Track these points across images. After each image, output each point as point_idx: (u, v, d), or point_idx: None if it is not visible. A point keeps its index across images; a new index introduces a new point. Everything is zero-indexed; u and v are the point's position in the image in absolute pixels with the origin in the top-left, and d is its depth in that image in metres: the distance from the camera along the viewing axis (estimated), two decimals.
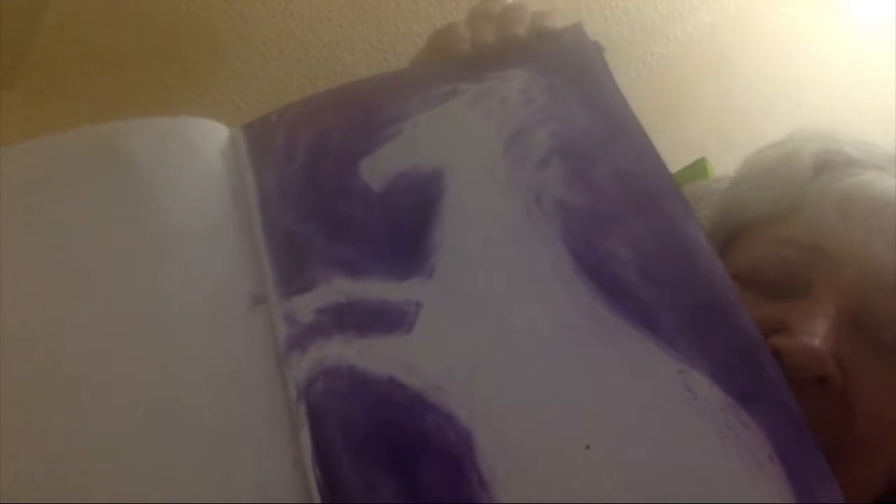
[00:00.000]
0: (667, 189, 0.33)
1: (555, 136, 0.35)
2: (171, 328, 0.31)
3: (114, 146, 0.36)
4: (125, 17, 1.06)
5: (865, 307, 0.37)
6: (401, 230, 0.34)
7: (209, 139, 0.37)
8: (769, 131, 0.48)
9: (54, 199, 0.34)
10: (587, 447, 0.28)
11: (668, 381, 0.29)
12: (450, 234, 0.33)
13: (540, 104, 0.37)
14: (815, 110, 1.38)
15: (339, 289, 0.32)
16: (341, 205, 0.35)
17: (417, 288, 0.32)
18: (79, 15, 1.04)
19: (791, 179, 0.42)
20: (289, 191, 0.35)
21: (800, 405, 0.28)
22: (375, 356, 0.30)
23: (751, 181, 0.45)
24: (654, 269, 0.31)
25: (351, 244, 0.33)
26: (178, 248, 0.33)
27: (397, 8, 1.18)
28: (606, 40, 0.41)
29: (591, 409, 0.29)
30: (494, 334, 0.31)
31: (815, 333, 0.35)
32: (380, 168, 0.36)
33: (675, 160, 1.12)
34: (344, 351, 0.31)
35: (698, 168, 1.18)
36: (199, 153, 0.37)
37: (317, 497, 0.27)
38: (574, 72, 0.38)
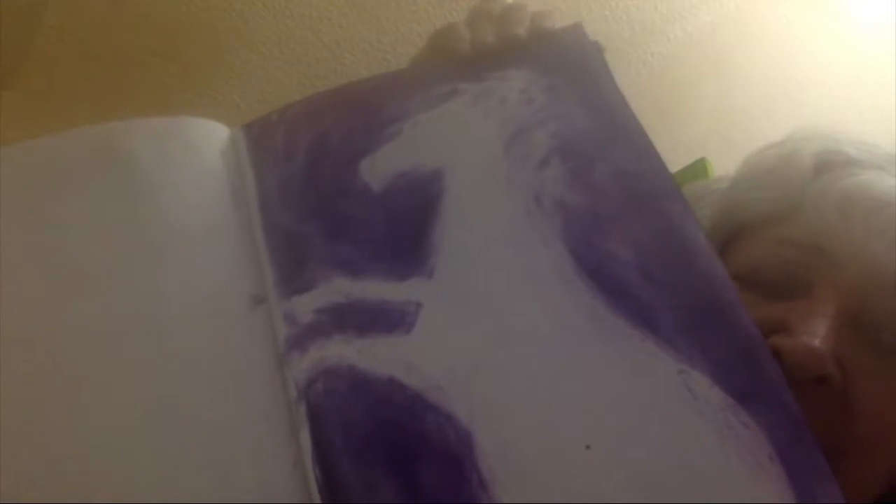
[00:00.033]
0: (667, 189, 0.33)
1: (555, 136, 0.35)
2: (171, 328, 0.31)
3: (114, 146, 0.36)
4: (125, 17, 1.06)
5: (865, 307, 0.37)
6: (401, 230, 0.34)
7: (209, 139, 0.37)
8: (769, 131, 0.48)
9: (54, 199, 0.34)
10: (587, 447, 0.28)
11: (668, 381, 0.29)
12: (450, 234, 0.33)
13: (540, 104, 0.37)
14: (815, 110, 1.38)
15: (339, 289, 0.32)
16: (341, 205, 0.35)
17: (417, 288, 0.32)
18: (79, 15, 1.04)
19: (791, 179, 0.42)
20: (289, 191, 0.35)
21: (800, 405, 0.28)
22: (375, 356, 0.30)
23: (751, 181, 0.45)
24: (654, 269, 0.31)
25: (351, 244, 0.33)
26: (178, 248, 0.33)
27: (397, 8, 1.18)
28: (606, 40, 0.41)
29: (591, 409, 0.29)
30: (494, 334, 0.31)
31: (816, 333, 0.35)
32: (380, 168, 0.36)
33: (675, 160, 1.12)
34: (344, 351, 0.31)
35: (698, 168, 1.18)
36: (199, 153, 0.37)
37: (317, 497, 0.27)
38: (574, 72, 0.38)
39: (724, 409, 0.28)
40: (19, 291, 0.32)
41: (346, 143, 0.37)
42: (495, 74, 0.38)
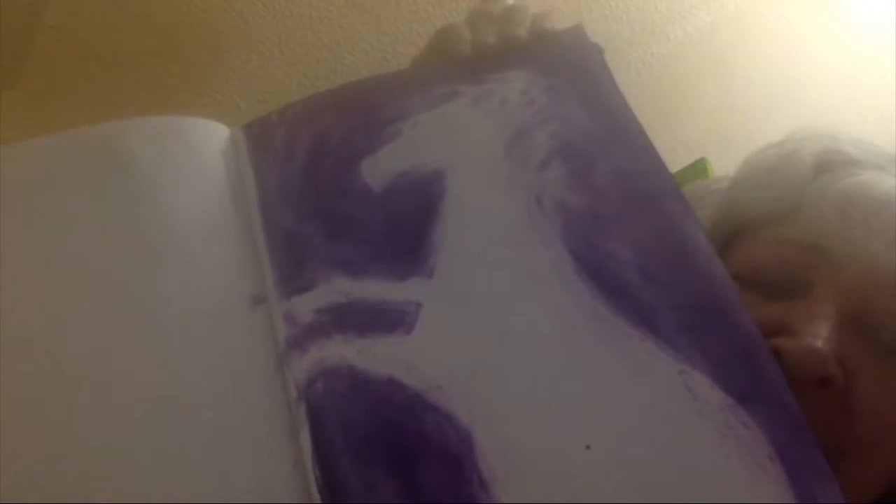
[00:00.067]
0: (667, 189, 0.33)
1: (555, 137, 0.35)
2: (171, 328, 0.31)
3: (114, 146, 0.36)
4: (125, 17, 1.06)
5: (865, 307, 0.37)
6: (401, 230, 0.34)
7: (209, 139, 0.37)
8: (769, 131, 0.48)
9: (54, 199, 0.34)
10: (587, 447, 0.28)
11: (668, 381, 0.29)
12: (450, 234, 0.33)
13: (540, 105, 0.37)
14: (815, 110, 1.38)
15: (339, 289, 0.32)
16: (341, 205, 0.35)
17: (417, 288, 0.32)
18: (79, 15, 1.04)
19: (791, 179, 0.42)
20: (289, 191, 0.35)
21: (800, 405, 0.28)
22: (375, 356, 0.30)
23: (751, 181, 0.45)
24: (654, 269, 0.31)
25: (351, 244, 0.33)
26: (178, 248, 0.33)
27: (397, 8, 1.18)
28: (606, 40, 0.41)
29: (591, 409, 0.29)
30: (494, 334, 0.31)
31: (818, 335, 0.35)
32: (380, 168, 0.36)
33: (675, 160, 1.12)
34: (344, 351, 0.31)
35: (698, 168, 1.18)
36: (199, 153, 0.37)
37: (317, 497, 0.27)
38: (574, 73, 0.38)
39: (724, 409, 0.28)
40: (19, 291, 0.32)
41: (347, 143, 0.37)
42: (496, 76, 0.38)
